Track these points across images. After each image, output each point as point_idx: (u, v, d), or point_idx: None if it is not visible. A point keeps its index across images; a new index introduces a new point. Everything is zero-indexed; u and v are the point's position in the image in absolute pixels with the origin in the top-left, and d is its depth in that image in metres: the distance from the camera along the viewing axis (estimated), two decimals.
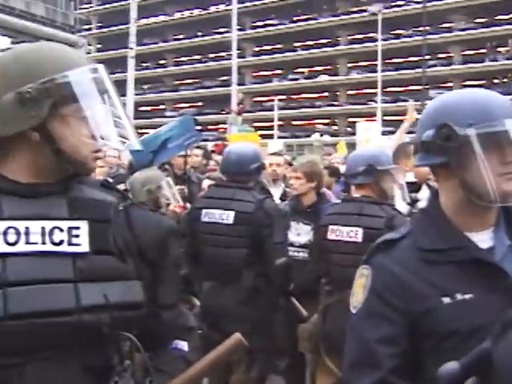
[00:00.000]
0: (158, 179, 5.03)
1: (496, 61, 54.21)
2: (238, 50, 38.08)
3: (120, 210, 1.81)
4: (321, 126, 58.44)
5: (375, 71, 46.69)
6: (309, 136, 48.04)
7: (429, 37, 46.77)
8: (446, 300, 1.81)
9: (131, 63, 25.00)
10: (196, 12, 68.01)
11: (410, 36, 56.58)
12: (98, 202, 1.77)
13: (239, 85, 40.53)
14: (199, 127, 7.73)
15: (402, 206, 4.72)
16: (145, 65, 66.56)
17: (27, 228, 1.66)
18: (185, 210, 5.59)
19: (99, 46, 72.27)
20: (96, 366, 1.70)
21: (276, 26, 63.53)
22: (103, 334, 1.66)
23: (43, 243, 1.66)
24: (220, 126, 48.66)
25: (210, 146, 14.66)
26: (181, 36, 68.99)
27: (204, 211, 4.89)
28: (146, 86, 68.14)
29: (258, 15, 63.43)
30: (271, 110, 50.16)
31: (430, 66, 49.92)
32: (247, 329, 3.56)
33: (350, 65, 60.82)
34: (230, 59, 38.57)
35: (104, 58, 60.38)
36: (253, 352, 4.60)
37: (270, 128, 46.38)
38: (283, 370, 5.51)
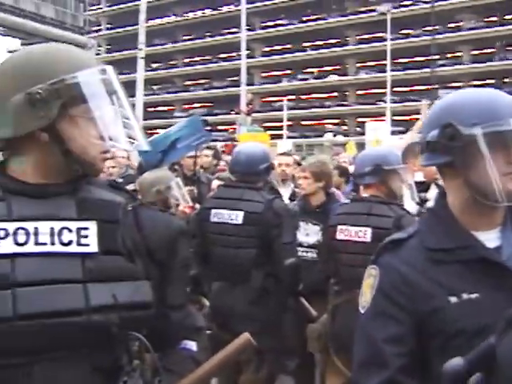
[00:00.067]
0: (167, 180, 5.03)
1: (505, 60, 53.99)
2: (248, 50, 38.12)
3: (128, 211, 1.82)
4: (330, 126, 58.35)
5: (384, 71, 46.60)
6: (320, 136, 48.01)
7: (438, 36, 46.72)
8: (453, 299, 1.81)
9: (141, 64, 25.03)
10: (205, 12, 68.02)
11: (418, 36, 56.44)
12: (107, 203, 1.78)
13: (248, 85, 40.56)
14: (209, 127, 7.74)
15: (411, 206, 4.71)
16: (154, 65, 66.63)
17: (36, 228, 1.67)
18: (194, 210, 5.60)
19: (109, 47, 72.41)
20: (105, 366, 1.70)
21: (285, 26, 63.47)
22: (112, 334, 1.67)
23: (52, 244, 1.67)
24: (229, 126, 48.68)
25: (219, 145, 14.66)
26: (190, 36, 69.00)
27: (213, 211, 4.89)
28: (155, 87, 68.21)
29: (267, 15, 63.39)
30: (280, 110, 50.19)
31: (439, 66, 49.82)
32: (256, 329, 3.57)
33: (359, 65, 60.70)
34: (239, 59, 38.54)
35: (113, 59, 60.59)
36: (262, 352, 4.60)
37: (280, 128, 46.40)
38: (293, 370, 5.50)
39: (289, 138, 41.94)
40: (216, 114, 59.13)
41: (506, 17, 54.30)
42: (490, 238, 1.89)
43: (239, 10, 37.61)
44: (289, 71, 63.92)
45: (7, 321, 1.58)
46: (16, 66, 1.75)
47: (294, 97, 60.13)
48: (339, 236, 4.47)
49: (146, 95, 31.92)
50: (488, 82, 48.90)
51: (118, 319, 1.67)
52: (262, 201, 4.80)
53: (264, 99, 63.25)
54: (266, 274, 4.76)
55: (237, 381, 4.87)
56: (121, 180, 7.07)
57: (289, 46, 62.78)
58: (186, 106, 66.54)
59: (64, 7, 48.85)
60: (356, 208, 4.51)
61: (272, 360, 4.91)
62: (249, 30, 46.32)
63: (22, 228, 1.66)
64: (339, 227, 4.48)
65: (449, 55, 56.18)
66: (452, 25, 56.18)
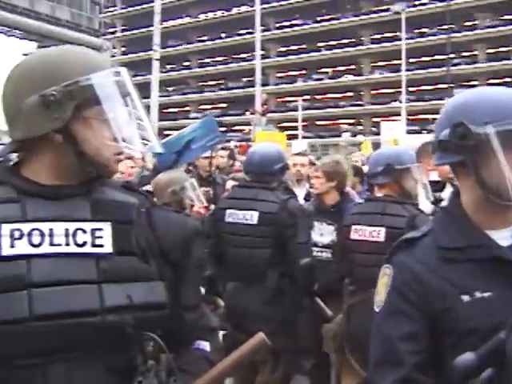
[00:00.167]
0: (182, 180, 5.04)
1: None
2: (262, 50, 38.11)
3: (142, 212, 1.83)
4: (346, 126, 58.25)
5: (399, 70, 46.45)
6: (335, 136, 47.94)
7: (453, 35, 46.43)
8: (465, 298, 1.81)
9: (156, 65, 25.07)
10: (220, 13, 68.09)
11: (433, 34, 56.20)
12: (121, 204, 1.78)
13: (263, 85, 40.52)
14: (223, 128, 7.77)
15: (425, 205, 4.70)
16: (169, 67, 66.80)
17: (51, 230, 1.68)
18: (209, 211, 5.60)
19: (124, 48, 72.66)
20: (120, 366, 1.71)
21: (300, 27, 63.42)
22: (127, 334, 1.67)
23: (67, 244, 1.68)
24: (244, 126, 48.68)
25: (232, 145, 14.66)
26: (205, 38, 69.11)
27: (228, 212, 4.90)
28: (170, 88, 68.39)
29: (281, 15, 63.37)
30: (295, 110, 50.12)
31: (454, 65, 49.57)
32: (271, 329, 3.58)
33: (373, 64, 60.58)
34: (254, 60, 38.55)
35: (129, 60, 60.85)
36: (278, 352, 4.60)
37: (295, 128, 46.33)
38: (308, 370, 5.50)
39: (304, 138, 41.89)
40: (231, 115, 59.26)
41: None
42: (502, 237, 1.88)
43: (254, 11, 37.63)
44: (304, 71, 63.87)
45: (23, 321, 1.59)
46: (31, 67, 1.76)
47: (308, 97, 60.10)
48: (353, 236, 4.46)
49: (161, 97, 31.96)
50: (504, 80, 48.63)
51: (132, 320, 1.68)
52: (277, 201, 4.80)
53: (279, 99, 63.28)
54: (280, 274, 4.76)
55: (253, 381, 4.88)
56: (137, 180, 7.10)
57: (304, 46, 62.72)
58: (201, 107, 66.63)
59: (79, 9, 49.08)
60: (370, 208, 4.51)
61: (287, 360, 4.91)
62: (263, 30, 46.29)
63: (37, 229, 1.67)
64: (353, 227, 4.48)
65: (464, 54, 55.93)
66: (467, 23, 55.95)
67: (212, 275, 4.85)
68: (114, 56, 63.22)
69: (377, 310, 1.94)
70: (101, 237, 1.71)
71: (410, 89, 49.75)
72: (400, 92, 45.39)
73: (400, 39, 46.53)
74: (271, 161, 4.98)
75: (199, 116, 46.00)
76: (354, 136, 43.16)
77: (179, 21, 68.29)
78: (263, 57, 42.52)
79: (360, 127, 58.54)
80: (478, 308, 1.80)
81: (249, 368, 4.71)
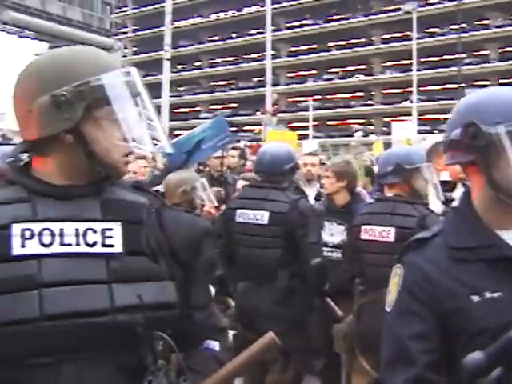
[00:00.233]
0: (192, 180, 5.05)
1: None
2: (273, 50, 38.10)
3: (152, 211, 1.83)
4: (357, 126, 58.16)
5: (410, 70, 46.35)
6: (347, 136, 47.83)
7: (464, 35, 46.26)
8: (475, 298, 1.81)
9: (166, 65, 25.13)
10: (231, 13, 68.09)
11: (444, 34, 55.97)
12: (131, 204, 1.79)
13: (274, 85, 40.54)
14: (234, 128, 7.79)
15: (436, 205, 4.69)
16: (180, 67, 66.85)
17: (61, 229, 1.68)
18: (219, 211, 5.61)
19: (135, 49, 72.72)
20: (130, 365, 1.71)
21: (310, 27, 63.31)
22: (137, 334, 1.67)
23: (77, 244, 1.69)
24: (255, 126, 48.68)
25: (242, 144, 14.64)
26: (216, 38, 69.11)
27: (238, 212, 4.90)
28: (181, 88, 68.41)
29: (292, 16, 63.30)
30: (306, 110, 50.09)
31: (465, 64, 49.41)
32: (282, 329, 3.57)
33: (384, 64, 60.45)
34: (264, 60, 38.55)
35: (140, 60, 60.94)
36: (288, 352, 4.60)
37: (305, 128, 46.31)
38: (319, 370, 5.50)
39: (314, 138, 41.86)
40: (242, 115, 59.23)
41: None
42: None
43: (264, 11, 37.60)
44: (314, 71, 63.78)
45: (34, 321, 1.59)
46: (42, 67, 1.76)
47: (319, 97, 60.02)
48: (363, 236, 4.46)
49: (171, 97, 32.02)
50: None
51: (142, 319, 1.68)
52: (287, 201, 4.80)
53: (289, 99, 63.20)
54: (291, 274, 4.76)
55: (263, 381, 4.88)
56: (148, 180, 7.12)
57: (314, 46, 62.64)
58: (212, 107, 66.63)
59: (90, 10, 49.29)
60: (380, 208, 4.50)
61: (298, 360, 4.91)
62: (274, 30, 46.25)
63: (48, 229, 1.67)
64: (363, 227, 4.47)
65: (475, 53, 55.73)
66: (479, 23, 55.75)
67: (222, 275, 4.86)
68: (125, 56, 63.40)
69: (388, 309, 1.94)
70: (111, 237, 1.72)
71: (421, 88, 49.57)
72: (411, 92, 45.29)
73: (411, 39, 46.45)
74: (282, 161, 4.98)
75: (210, 116, 46.03)
76: (366, 136, 43.06)
77: (190, 21, 68.31)
78: (274, 57, 42.53)
79: (371, 127, 58.42)
80: (487, 308, 1.79)
81: (259, 368, 4.71)
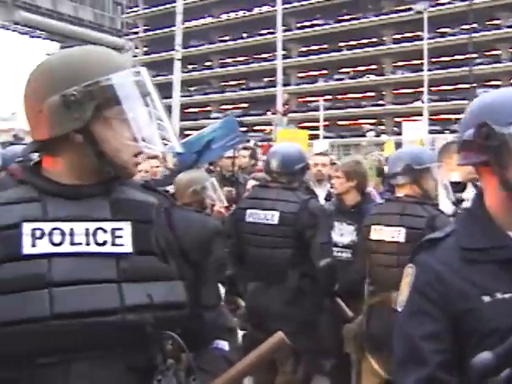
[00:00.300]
0: (203, 180, 5.04)
1: None
2: (284, 50, 38.04)
3: (161, 211, 1.83)
4: (368, 126, 58.06)
5: (421, 70, 46.24)
6: (358, 136, 47.79)
7: (475, 35, 46.03)
8: (487, 299, 1.80)
9: (177, 65, 25.10)
10: (241, 13, 68.11)
11: (455, 34, 55.83)
12: (140, 203, 1.79)
13: (285, 85, 40.49)
14: (244, 128, 7.80)
15: (446, 206, 4.67)
16: (191, 67, 66.90)
17: (72, 229, 1.69)
18: (229, 211, 5.60)
19: (146, 49, 72.88)
20: (139, 365, 1.71)
21: (321, 27, 63.27)
22: (146, 333, 1.67)
23: (87, 244, 1.69)
24: (266, 126, 48.66)
25: (252, 143, 14.61)
26: (227, 38, 69.17)
27: (248, 212, 4.90)
28: (192, 88, 68.47)
29: (302, 15, 63.28)
30: (317, 110, 50.07)
31: (476, 64, 49.22)
32: (292, 329, 3.57)
33: (395, 64, 60.33)
34: (275, 60, 38.52)
35: (151, 60, 61.03)
36: (298, 353, 4.60)
37: (316, 128, 46.27)
38: (329, 370, 5.50)
39: (325, 138, 41.84)
40: (252, 115, 59.26)
41: None
42: None
43: (275, 11, 37.56)
44: (325, 71, 63.74)
45: (44, 320, 1.59)
46: (52, 67, 1.77)
47: (330, 97, 59.97)
48: (373, 236, 4.46)
49: (182, 97, 32.00)
50: None
51: (152, 319, 1.68)
52: (298, 201, 4.80)
53: (300, 99, 63.20)
54: (301, 275, 4.76)
55: (272, 381, 4.88)
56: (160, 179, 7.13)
57: (325, 46, 62.59)
58: (223, 107, 66.66)
59: (102, 10, 49.38)
60: (390, 208, 4.49)
61: (308, 360, 4.91)
62: (285, 30, 46.20)
63: (58, 228, 1.68)
64: (373, 227, 4.47)
65: (487, 53, 55.54)
66: (490, 23, 55.55)
67: (232, 275, 4.86)
68: (136, 56, 63.42)
69: (399, 309, 1.95)
70: (121, 236, 1.72)
71: (432, 89, 49.43)
72: (422, 92, 45.16)
73: (422, 39, 46.33)
74: (292, 161, 4.97)
75: (220, 116, 46.06)
76: (378, 136, 42.99)
77: (201, 21, 68.37)
78: (284, 57, 42.43)
79: (382, 127, 58.31)
80: (498, 309, 1.79)
81: (268, 367, 4.71)
